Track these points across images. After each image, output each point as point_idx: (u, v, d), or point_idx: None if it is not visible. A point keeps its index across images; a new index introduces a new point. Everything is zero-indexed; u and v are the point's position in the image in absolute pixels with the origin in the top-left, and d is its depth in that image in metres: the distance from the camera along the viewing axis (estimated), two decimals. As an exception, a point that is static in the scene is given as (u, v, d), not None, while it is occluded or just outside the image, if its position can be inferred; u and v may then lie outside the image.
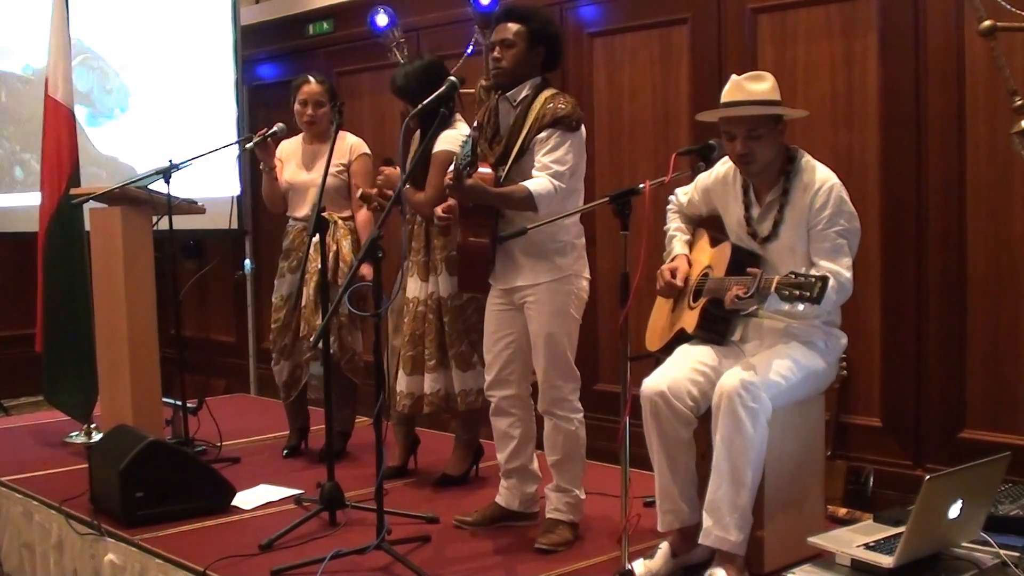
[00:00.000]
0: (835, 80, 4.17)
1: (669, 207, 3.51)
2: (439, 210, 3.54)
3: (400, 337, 4.16)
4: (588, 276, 3.53)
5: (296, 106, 4.59)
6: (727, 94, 3.14)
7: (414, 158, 3.75)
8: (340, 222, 4.48)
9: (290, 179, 4.61)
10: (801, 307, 2.84)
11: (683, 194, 3.48)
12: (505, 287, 3.50)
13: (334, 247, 4.47)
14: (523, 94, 3.43)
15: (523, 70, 3.43)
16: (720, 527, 3.00)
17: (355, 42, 6.12)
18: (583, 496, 3.57)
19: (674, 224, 3.47)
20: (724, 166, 3.33)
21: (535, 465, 3.68)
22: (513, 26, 3.43)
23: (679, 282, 3.27)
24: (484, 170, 3.42)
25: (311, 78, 4.60)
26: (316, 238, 3.94)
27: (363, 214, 4.52)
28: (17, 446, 5.15)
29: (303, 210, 4.60)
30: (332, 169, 4.28)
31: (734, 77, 3.17)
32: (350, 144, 4.57)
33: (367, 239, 3.30)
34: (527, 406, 3.58)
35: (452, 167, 3.39)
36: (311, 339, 4.41)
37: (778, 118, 3.12)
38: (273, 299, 4.72)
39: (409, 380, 4.10)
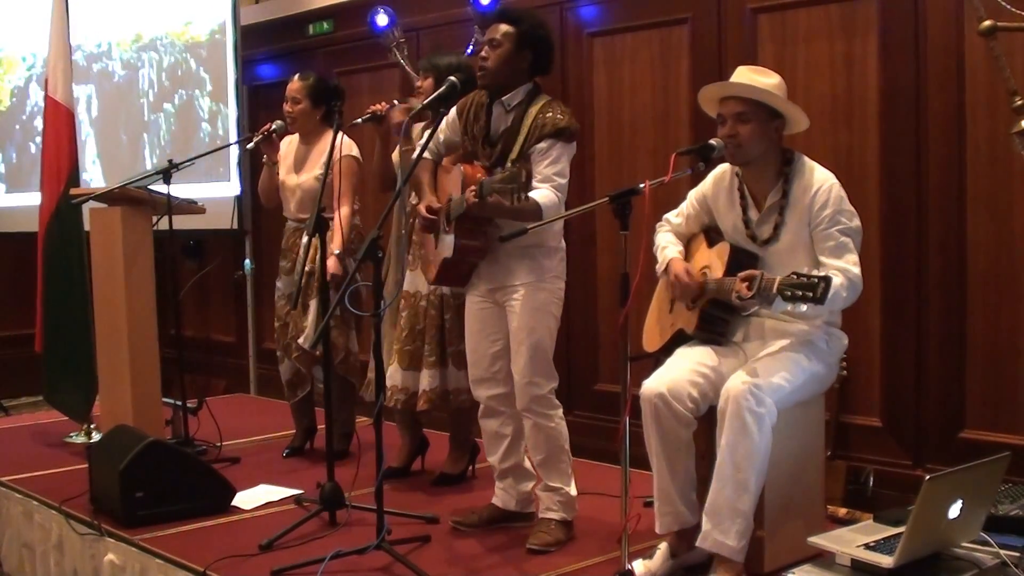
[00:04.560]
0: (835, 80, 4.17)
1: (659, 229, 3.48)
2: (422, 208, 3.53)
3: (395, 330, 4.15)
4: (565, 279, 3.55)
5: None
6: (731, 79, 3.17)
7: (424, 147, 3.71)
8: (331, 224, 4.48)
9: (282, 179, 4.61)
10: (804, 307, 2.84)
11: (675, 216, 3.47)
12: (490, 286, 3.51)
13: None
14: (517, 100, 3.43)
15: (507, 72, 3.42)
16: (719, 531, 2.99)
17: (355, 42, 6.12)
18: (574, 492, 3.56)
19: (664, 238, 3.44)
20: (719, 170, 3.33)
21: (528, 462, 3.68)
22: (502, 27, 3.43)
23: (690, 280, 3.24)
24: (481, 174, 3.41)
25: (297, 75, 4.60)
26: (307, 239, 3.94)
27: (342, 213, 4.50)
28: (17, 446, 5.15)
29: (291, 211, 4.61)
30: (319, 171, 4.27)
31: (742, 67, 3.20)
32: (338, 145, 4.55)
33: (367, 239, 3.29)
34: (515, 403, 3.58)
35: (478, 186, 3.36)
36: (299, 340, 4.43)
37: (774, 114, 3.13)
38: (275, 297, 4.74)
39: (404, 374, 4.10)
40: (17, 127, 7.16)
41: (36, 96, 6.84)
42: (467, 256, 3.49)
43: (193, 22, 6.41)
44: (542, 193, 3.30)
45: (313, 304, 4.38)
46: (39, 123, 6.11)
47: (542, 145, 3.34)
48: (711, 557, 3.07)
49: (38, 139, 6.68)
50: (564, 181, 3.36)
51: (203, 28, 6.37)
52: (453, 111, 3.59)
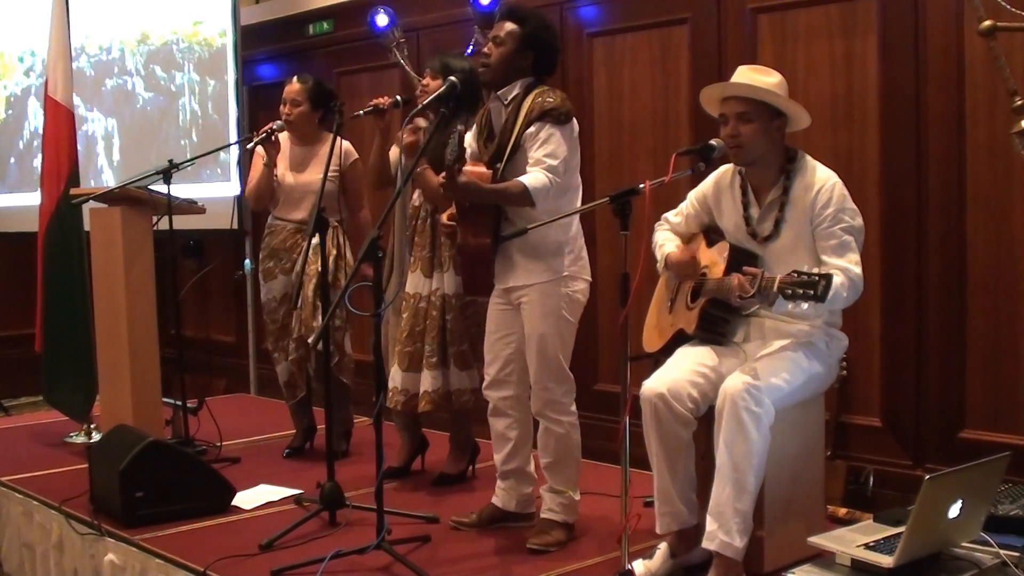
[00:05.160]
0: (835, 80, 4.17)
1: (657, 228, 3.48)
2: (444, 217, 3.55)
3: (398, 330, 4.16)
4: (588, 278, 3.51)
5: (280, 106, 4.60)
6: (731, 79, 3.17)
7: (424, 148, 3.72)
8: (337, 226, 4.47)
9: (280, 180, 4.60)
10: (805, 306, 2.84)
11: (674, 215, 3.47)
12: (504, 286, 3.50)
13: (334, 251, 4.46)
14: (514, 93, 3.43)
15: (508, 69, 3.42)
16: (724, 531, 2.99)
17: (355, 42, 6.12)
18: (577, 497, 3.56)
19: (663, 236, 3.43)
20: (721, 169, 3.34)
21: (531, 467, 3.68)
22: (508, 25, 3.43)
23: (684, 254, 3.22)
24: (481, 169, 3.42)
25: (295, 77, 4.59)
26: (315, 240, 3.93)
27: (364, 215, 4.51)
28: (17, 446, 5.15)
29: (294, 212, 4.59)
30: (327, 171, 4.26)
31: (743, 67, 3.20)
32: (344, 149, 4.55)
33: (367, 238, 3.29)
34: (525, 408, 3.58)
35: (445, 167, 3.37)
36: (308, 340, 4.42)
37: (776, 113, 3.13)
38: (264, 300, 4.70)
39: (404, 376, 4.09)
40: (16, 139, 7.11)
41: (36, 119, 6.78)
42: (470, 255, 3.47)
43: (193, 22, 6.39)
44: (530, 175, 3.28)
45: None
46: (38, 145, 6.12)
47: (531, 130, 3.33)
48: (711, 557, 3.07)
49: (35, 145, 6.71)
50: (556, 163, 3.30)
51: (203, 28, 6.36)
52: (475, 123, 3.60)
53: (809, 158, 3.19)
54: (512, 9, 3.54)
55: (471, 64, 4.09)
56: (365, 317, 3.50)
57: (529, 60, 3.43)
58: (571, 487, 3.53)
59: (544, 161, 3.30)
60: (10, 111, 7.10)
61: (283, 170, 4.60)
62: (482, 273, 3.51)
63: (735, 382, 2.99)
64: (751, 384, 2.97)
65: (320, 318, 4.38)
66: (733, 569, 3.01)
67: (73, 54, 6.01)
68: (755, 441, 2.96)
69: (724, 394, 3.00)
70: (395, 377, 4.10)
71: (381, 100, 4.07)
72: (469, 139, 3.60)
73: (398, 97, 4.11)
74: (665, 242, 3.40)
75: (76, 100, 5.43)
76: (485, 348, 3.63)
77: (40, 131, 5.64)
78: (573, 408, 3.51)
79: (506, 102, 3.44)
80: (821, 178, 3.12)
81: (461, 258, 3.53)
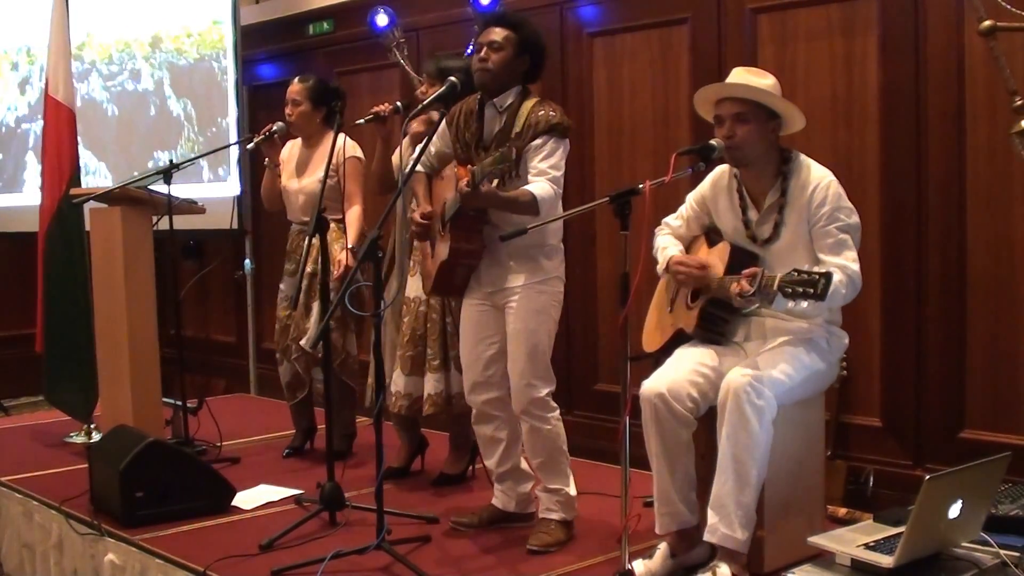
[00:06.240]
0: (835, 80, 4.17)
1: (658, 233, 3.47)
2: (416, 216, 3.54)
3: (399, 335, 4.15)
4: (564, 280, 3.55)
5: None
6: (727, 80, 3.18)
7: (426, 144, 3.73)
8: (333, 225, 4.47)
9: (284, 183, 4.62)
10: (805, 304, 2.85)
11: (674, 219, 3.47)
12: (491, 289, 3.50)
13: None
14: (508, 101, 3.45)
15: (507, 75, 3.44)
16: (726, 524, 2.99)
17: (355, 42, 6.13)
18: (574, 492, 3.56)
19: (664, 240, 3.42)
20: (717, 171, 3.34)
21: (525, 464, 3.68)
22: (504, 31, 3.44)
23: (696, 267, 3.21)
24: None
25: (296, 78, 4.60)
26: (312, 240, 3.94)
27: (354, 211, 4.49)
28: (17, 446, 5.15)
29: (300, 214, 4.61)
30: (322, 174, 4.26)
31: (738, 68, 3.21)
32: (345, 146, 4.55)
33: (367, 239, 3.29)
34: (509, 407, 3.57)
35: (469, 175, 3.37)
36: (300, 342, 4.43)
37: (771, 114, 3.13)
38: (278, 299, 4.74)
39: (407, 380, 4.09)
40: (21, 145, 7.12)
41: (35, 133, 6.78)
42: (462, 259, 3.48)
43: (193, 22, 6.38)
44: (537, 185, 3.30)
45: (316, 305, 4.38)
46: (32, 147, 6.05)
47: (537, 142, 3.35)
48: (711, 556, 3.07)
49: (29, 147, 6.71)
50: (559, 174, 3.35)
51: (203, 28, 6.35)
52: (443, 123, 3.59)
53: (804, 157, 3.19)
54: (503, 15, 3.56)
55: (467, 62, 4.09)
56: (366, 319, 3.50)
57: (525, 65, 3.46)
58: (565, 482, 3.53)
59: (548, 172, 3.33)
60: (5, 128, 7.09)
61: (288, 174, 4.62)
62: (459, 277, 3.53)
63: (737, 376, 3.00)
64: (753, 377, 2.97)
65: (311, 320, 4.39)
66: (737, 561, 3.01)
67: (80, 68, 6.04)
68: (757, 434, 2.96)
69: (726, 388, 3.00)
70: (397, 381, 4.10)
71: (381, 107, 4.07)
72: (435, 140, 3.60)
73: (398, 103, 4.10)
74: (668, 246, 3.39)
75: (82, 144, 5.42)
76: (462, 352, 3.62)
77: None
78: (554, 404, 3.52)
79: (501, 109, 3.45)
80: (816, 176, 3.12)
81: (449, 260, 3.50)
